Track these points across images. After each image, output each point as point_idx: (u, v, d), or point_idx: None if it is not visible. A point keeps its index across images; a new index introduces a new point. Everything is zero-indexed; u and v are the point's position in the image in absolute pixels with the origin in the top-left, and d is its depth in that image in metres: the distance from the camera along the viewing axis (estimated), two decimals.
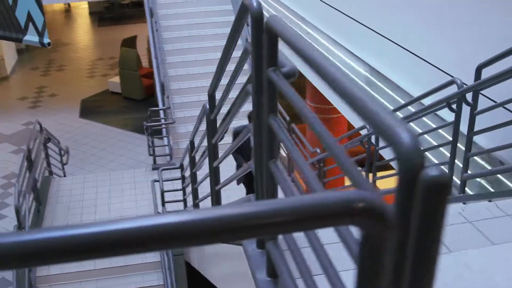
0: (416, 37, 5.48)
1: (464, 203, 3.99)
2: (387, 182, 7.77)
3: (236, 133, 6.81)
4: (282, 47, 1.82)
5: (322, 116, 8.98)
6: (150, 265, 7.43)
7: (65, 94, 16.95)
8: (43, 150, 9.54)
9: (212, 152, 3.67)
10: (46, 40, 3.57)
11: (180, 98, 11.01)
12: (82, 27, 25.75)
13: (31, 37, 3.61)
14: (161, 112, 10.48)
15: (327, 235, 1.38)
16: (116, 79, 16.88)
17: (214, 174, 3.74)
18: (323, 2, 7.41)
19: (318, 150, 7.49)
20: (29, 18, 3.64)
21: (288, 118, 8.96)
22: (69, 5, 28.34)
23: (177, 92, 11.08)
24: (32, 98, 16.73)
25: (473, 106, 3.99)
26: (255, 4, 2.02)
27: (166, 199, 7.89)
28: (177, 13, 12.13)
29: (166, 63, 11.31)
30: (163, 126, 10.10)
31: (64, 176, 10.83)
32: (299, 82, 11.86)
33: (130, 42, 17.56)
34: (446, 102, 4.19)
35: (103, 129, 14.45)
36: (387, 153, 5.98)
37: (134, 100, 16.25)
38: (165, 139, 10.16)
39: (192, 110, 10.78)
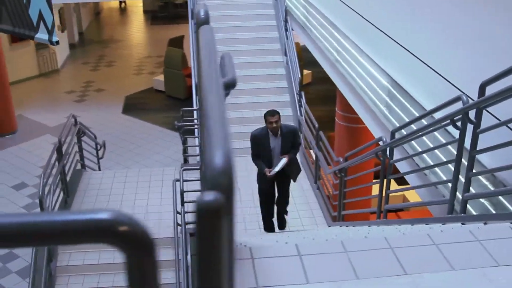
0: (436, 53, 5.35)
1: (462, 224, 3.90)
2: (410, 195, 7.61)
3: (253, 137, 6.83)
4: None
5: (350, 126, 8.90)
6: (167, 263, 7.50)
7: (111, 90, 17.33)
8: (77, 143, 9.78)
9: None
10: (54, 38, 3.71)
11: None
12: (136, 24, 26.27)
13: (41, 35, 3.75)
14: (195, 112, 10.58)
15: None
16: (161, 77, 17.16)
17: None
18: (354, 10, 7.33)
19: (341, 160, 7.40)
20: (40, 16, 3.79)
21: (317, 125, 8.89)
22: (125, 2, 28.98)
23: None
24: (79, 92, 17.18)
25: (476, 124, 3.88)
26: (201, 13, 2.03)
27: (189, 199, 7.94)
28: (218, 15, 12.21)
29: None
30: (195, 126, 10.20)
31: (99, 170, 11.07)
32: (331, 90, 11.79)
33: (177, 42, 17.84)
34: (450, 119, 4.08)
35: (143, 126, 14.71)
36: (402, 166, 5.88)
37: (177, 99, 16.46)
38: (197, 139, 10.26)
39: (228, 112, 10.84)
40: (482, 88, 3.79)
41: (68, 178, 9.08)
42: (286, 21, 11.17)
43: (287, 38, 10.99)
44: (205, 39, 1.67)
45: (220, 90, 1.22)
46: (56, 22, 18.67)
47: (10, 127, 14.07)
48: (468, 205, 4.47)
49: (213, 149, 0.94)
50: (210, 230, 0.83)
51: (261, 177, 7.08)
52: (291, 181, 7.28)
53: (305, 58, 15.96)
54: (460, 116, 3.99)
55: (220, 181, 0.89)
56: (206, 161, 0.93)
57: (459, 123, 4.06)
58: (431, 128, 4.55)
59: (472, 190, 4.34)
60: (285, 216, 7.70)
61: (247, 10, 12.37)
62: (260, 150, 6.83)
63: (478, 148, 3.98)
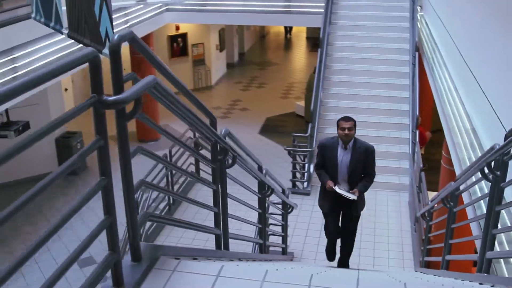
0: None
1: (480, 284, 3.66)
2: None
3: (321, 145, 6.19)
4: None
5: (451, 169, 8.44)
6: None
7: (255, 110, 18.03)
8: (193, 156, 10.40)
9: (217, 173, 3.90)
10: None
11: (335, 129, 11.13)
12: (296, 50, 27.03)
13: (106, 50, 4.22)
14: (309, 138, 10.72)
15: None
16: (303, 102, 17.50)
17: (214, 194, 3.96)
18: (459, 51, 7.06)
19: (430, 203, 7.10)
20: (106, 34, 4.27)
21: (421, 165, 8.63)
22: (290, 32, 29.79)
23: (334, 123, 11.21)
24: (225, 109, 18.12)
25: (500, 177, 3.62)
26: (115, 38, 2.25)
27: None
28: (351, 46, 12.29)
29: (329, 93, 11.55)
30: (305, 152, 10.35)
31: None
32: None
33: None
34: (480, 171, 3.85)
35: (274, 148, 15.09)
36: (471, 212, 5.55)
37: None
38: (306, 165, 10.38)
39: None
40: (507, 138, 3.54)
41: (180, 188, 9.75)
42: (414, 56, 10.92)
43: (413, 74, 10.74)
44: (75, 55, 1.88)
45: None
46: (215, 42, 19.97)
47: (154, 135, 15.29)
48: (504, 266, 4.16)
49: None
50: None
51: (322, 195, 6.33)
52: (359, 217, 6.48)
53: None
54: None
55: None
56: None
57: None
58: (473, 180, 4.30)
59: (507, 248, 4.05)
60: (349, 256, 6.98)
61: (381, 43, 12.27)
62: (326, 160, 6.08)
63: None
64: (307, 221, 9.30)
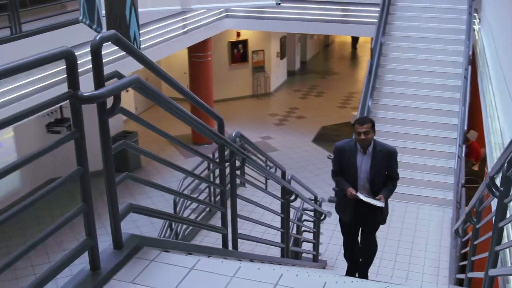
0: None
1: None
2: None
3: (337, 149, 5.70)
4: None
5: None
6: None
7: (311, 118, 18.05)
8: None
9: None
10: None
11: (383, 140, 11.05)
12: (359, 60, 26.86)
13: None
14: None
15: None
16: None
17: (221, 194, 4.07)
18: (500, 67, 6.92)
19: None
20: (134, 38, 4.48)
21: (462, 181, 8.47)
22: (357, 39, 29.58)
23: (381, 134, 11.12)
24: (281, 116, 18.22)
25: (503, 192, 3.57)
26: (97, 38, 2.41)
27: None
28: (402, 57, 12.16)
29: (378, 104, 11.47)
30: None
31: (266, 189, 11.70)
32: None
33: None
34: (487, 186, 3.80)
35: (325, 156, 15.06)
36: None
37: None
38: None
39: None
40: None
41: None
42: (466, 69, 10.69)
43: (464, 88, 10.51)
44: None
45: None
46: (275, 49, 20.15)
47: (208, 139, 15.57)
48: None
49: None
50: None
51: (341, 203, 5.92)
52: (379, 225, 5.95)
53: None
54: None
55: None
56: None
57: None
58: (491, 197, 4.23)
59: None
60: (367, 269, 6.49)
61: (436, 55, 12.07)
62: (344, 166, 5.63)
63: None
64: None
